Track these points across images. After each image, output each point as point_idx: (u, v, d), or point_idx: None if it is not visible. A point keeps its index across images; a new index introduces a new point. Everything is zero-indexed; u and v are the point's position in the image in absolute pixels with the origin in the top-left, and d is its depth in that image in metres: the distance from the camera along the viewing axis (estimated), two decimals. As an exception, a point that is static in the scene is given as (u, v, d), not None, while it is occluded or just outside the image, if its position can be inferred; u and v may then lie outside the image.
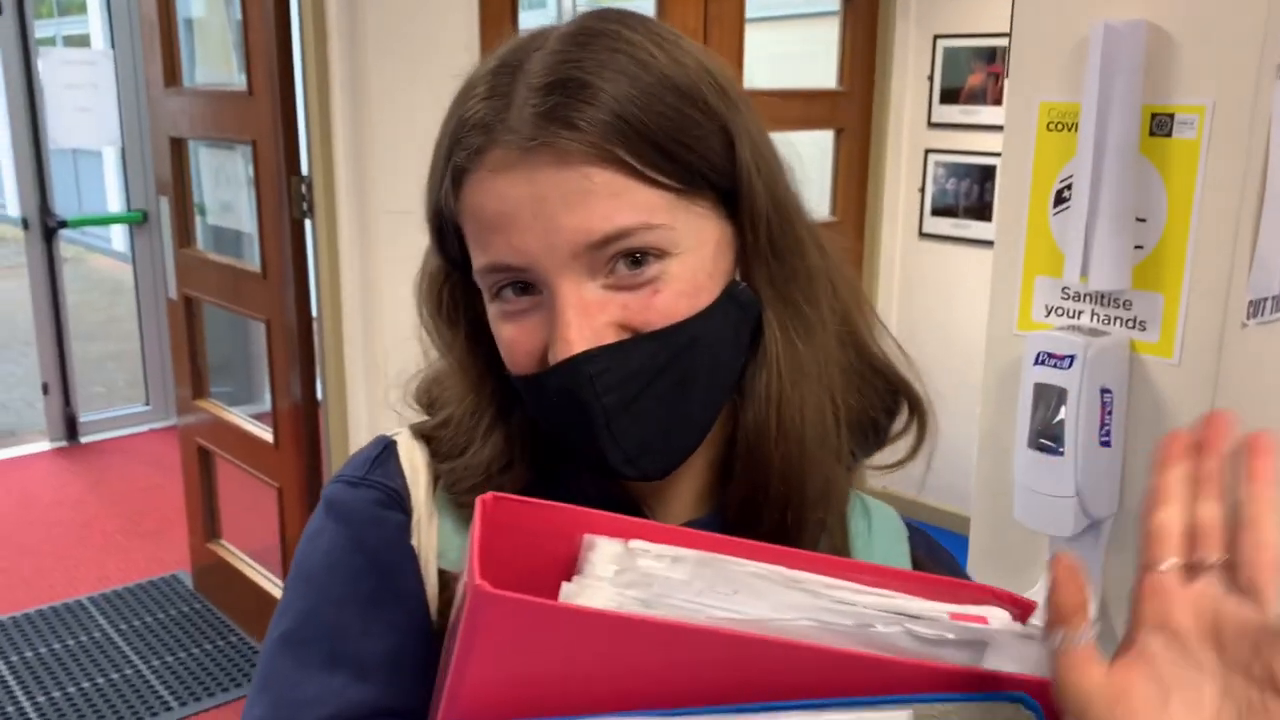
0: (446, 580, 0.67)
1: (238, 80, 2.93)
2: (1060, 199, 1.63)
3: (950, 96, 3.62)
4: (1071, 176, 1.58)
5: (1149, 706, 0.48)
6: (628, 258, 0.61)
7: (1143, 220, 1.55)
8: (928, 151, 3.70)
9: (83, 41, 9.44)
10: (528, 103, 0.60)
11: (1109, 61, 1.50)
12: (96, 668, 3.09)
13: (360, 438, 2.63)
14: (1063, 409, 1.55)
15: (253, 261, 2.94)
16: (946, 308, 3.63)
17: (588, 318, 0.60)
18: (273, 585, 3.13)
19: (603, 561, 0.52)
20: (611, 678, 0.47)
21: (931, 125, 3.68)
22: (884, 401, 0.73)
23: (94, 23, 8.61)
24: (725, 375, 0.65)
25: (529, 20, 3.04)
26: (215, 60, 3.63)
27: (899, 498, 0.80)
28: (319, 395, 2.75)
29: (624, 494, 0.69)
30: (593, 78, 0.60)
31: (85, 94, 4.63)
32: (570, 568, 0.53)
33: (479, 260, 0.63)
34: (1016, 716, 0.51)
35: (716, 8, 3.15)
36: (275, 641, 0.66)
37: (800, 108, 3.54)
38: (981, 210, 3.58)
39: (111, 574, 3.66)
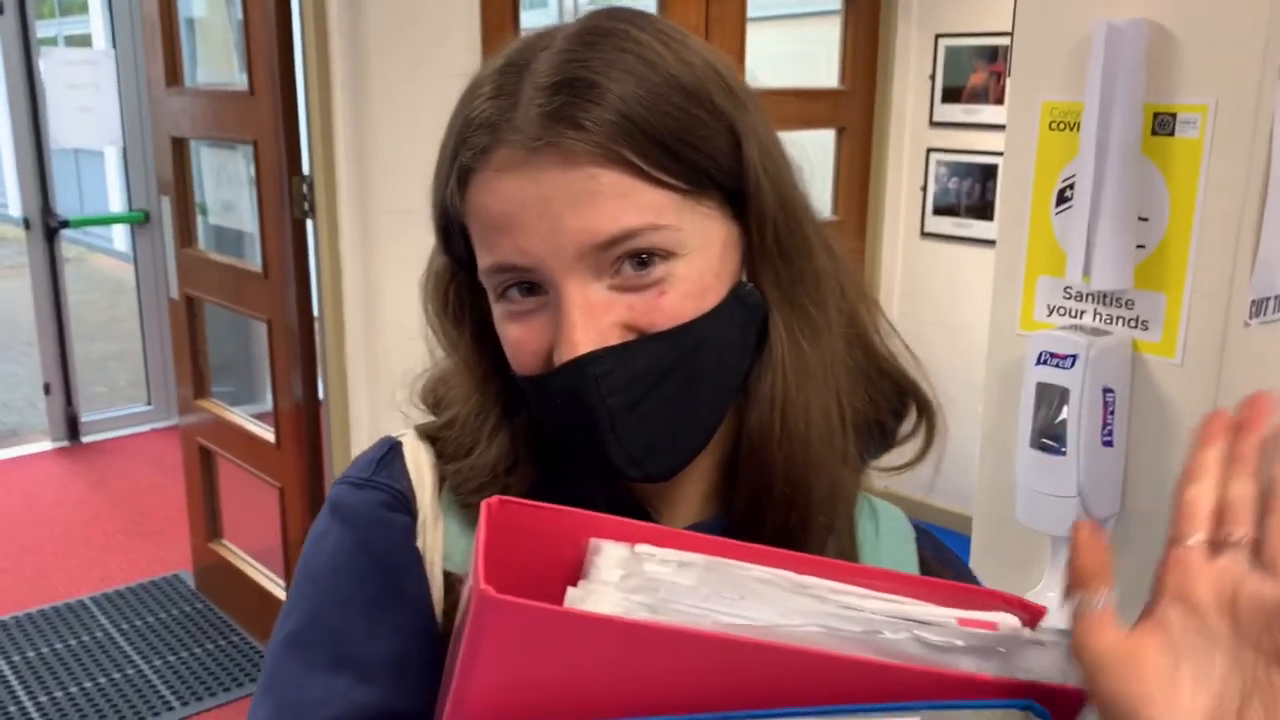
0: (452, 582, 0.66)
1: (239, 80, 2.93)
2: (1062, 198, 1.63)
3: (952, 95, 3.62)
4: (1074, 176, 1.57)
5: (1158, 672, 0.49)
6: (634, 259, 0.60)
7: (1145, 220, 1.55)
8: (929, 151, 3.69)
9: (84, 41, 9.44)
10: (534, 102, 0.60)
11: (1111, 61, 1.50)
12: (98, 667, 3.09)
13: (362, 437, 2.63)
14: (1065, 409, 1.55)
15: (254, 261, 2.94)
16: (948, 307, 3.63)
17: (593, 319, 0.60)
18: (274, 585, 3.13)
19: (608, 566, 0.51)
20: (617, 683, 0.47)
21: (933, 124, 3.68)
22: (891, 404, 0.72)
23: (95, 22, 8.62)
24: (731, 377, 0.65)
25: (530, 20, 3.03)
26: (217, 60, 3.63)
27: (904, 499, 0.80)
28: (320, 395, 2.75)
29: (629, 496, 0.68)
30: (599, 77, 0.59)
31: (87, 94, 4.63)
32: (576, 571, 0.53)
33: (484, 260, 0.63)
34: None
35: (718, 7, 3.15)
36: (280, 643, 0.66)
37: (802, 107, 3.53)
38: (983, 210, 3.58)
39: (113, 574, 3.67)
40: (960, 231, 3.66)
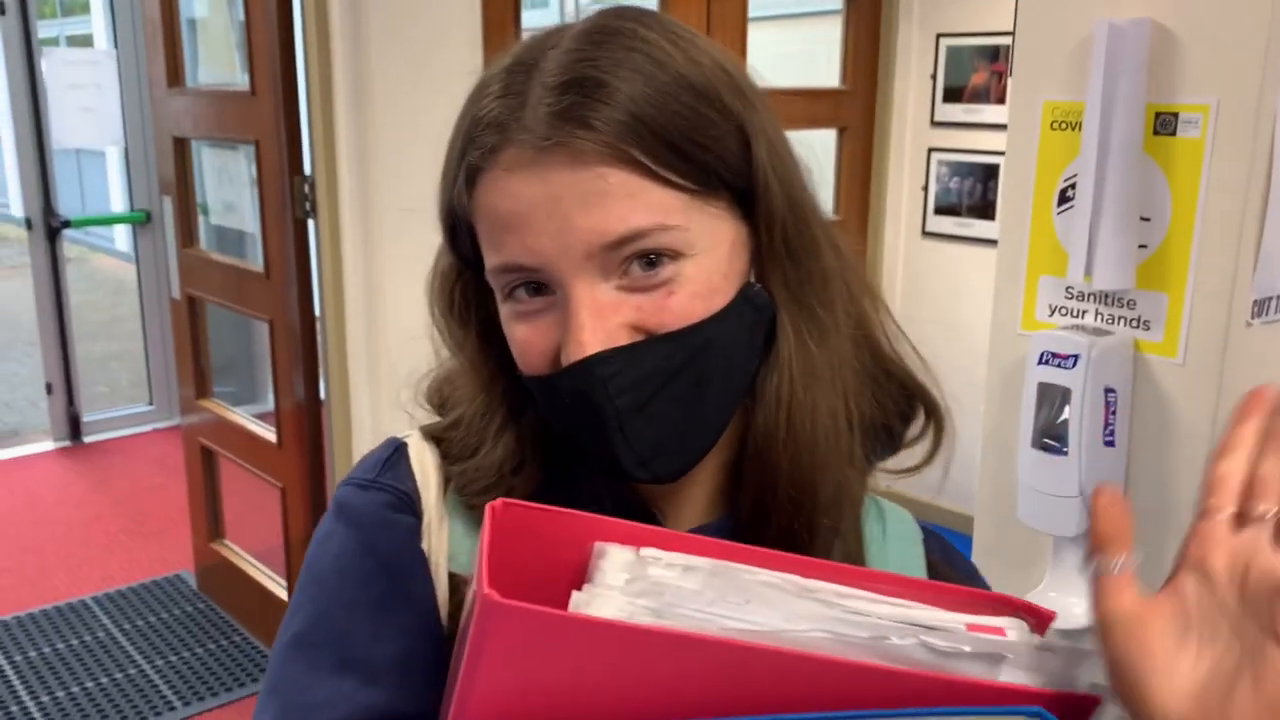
0: (457, 583, 0.66)
1: (240, 80, 2.93)
2: (1064, 198, 1.62)
3: (953, 95, 3.62)
4: (1075, 175, 1.57)
5: (1164, 637, 0.50)
6: (642, 259, 0.60)
7: (1147, 219, 1.55)
8: (931, 150, 3.69)
9: (86, 42, 9.45)
10: (542, 102, 0.59)
11: (1113, 60, 1.49)
12: (100, 667, 3.09)
13: (364, 437, 2.63)
14: (1066, 409, 1.55)
15: (256, 261, 2.94)
16: (950, 307, 3.63)
17: (601, 319, 0.60)
18: (276, 585, 3.13)
19: (613, 570, 0.51)
20: (621, 688, 0.47)
21: (935, 124, 3.67)
22: (899, 407, 0.72)
23: (97, 23, 8.63)
24: (739, 378, 0.65)
25: (531, 19, 3.03)
26: (218, 60, 3.63)
27: (906, 499, 0.80)
28: (322, 395, 2.75)
29: (635, 497, 0.68)
30: (608, 77, 0.59)
31: (88, 94, 4.63)
32: (581, 574, 0.53)
33: (492, 260, 0.63)
34: None
35: (719, 7, 3.14)
36: (285, 645, 0.66)
37: (803, 107, 3.53)
38: (985, 209, 3.58)
39: (115, 574, 3.67)
40: (962, 231, 3.66)
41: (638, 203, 0.59)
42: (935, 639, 0.49)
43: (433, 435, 0.72)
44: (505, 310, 0.64)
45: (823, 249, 0.67)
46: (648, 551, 0.53)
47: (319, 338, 2.72)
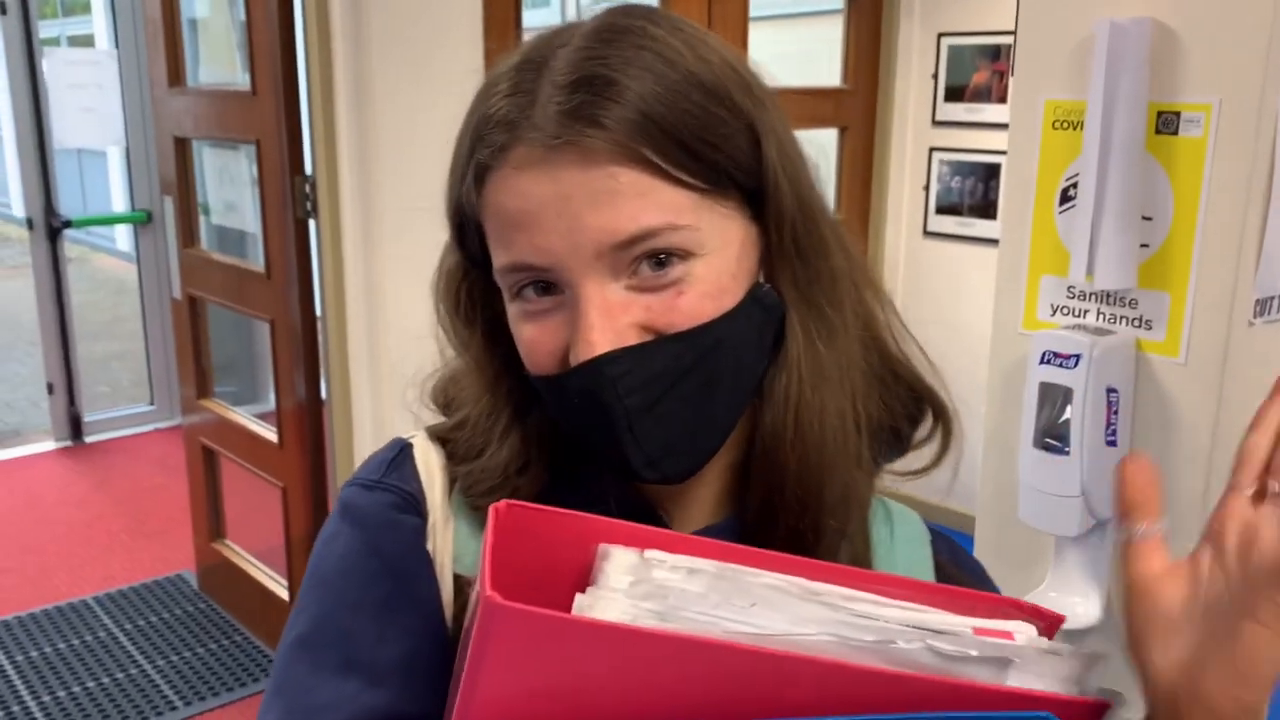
0: (462, 585, 0.66)
1: (241, 80, 2.93)
2: (1066, 197, 1.62)
3: (955, 94, 3.62)
4: (1077, 175, 1.57)
5: (1173, 605, 0.52)
6: (652, 258, 0.60)
7: (1148, 219, 1.54)
8: (932, 150, 3.69)
9: (87, 42, 9.45)
10: (552, 100, 0.59)
11: (1115, 59, 1.49)
12: (101, 667, 3.09)
13: (365, 437, 2.63)
14: (1068, 408, 1.55)
15: (257, 261, 2.94)
16: (951, 307, 3.63)
17: (611, 319, 0.59)
18: (277, 585, 3.13)
19: (617, 572, 0.51)
20: (625, 691, 0.46)
21: (936, 123, 3.67)
22: (907, 408, 0.72)
23: (98, 23, 8.63)
24: (748, 378, 0.64)
25: (533, 19, 3.03)
26: (219, 60, 3.64)
27: (910, 499, 0.79)
28: (323, 395, 2.75)
29: (641, 497, 0.68)
30: (619, 75, 0.59)
31: (89, 94, 4.63)
32: (585, 575, 0.52)
33: (500, 259, 0.62)
34: None
35: (720, 6, 3.14)
36: (290, 645, 0.66)
37: (804, 106, 3.53)
38: (986, 209, 3.58)
39: (116, 574, 3.67)
40: (963, 231, 3.66)
41: (648, 202, 0.59)
42: (942, 643, 0.49)
43: (438, 436, 0.72)
44: (513, 309, 0.64)
45: (831, 249, 0.66)
46: (652, 554, 0.52)
47: (320, 337, 2.72)
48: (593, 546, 0.53)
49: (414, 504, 0.68)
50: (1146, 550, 0.53)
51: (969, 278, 3.60)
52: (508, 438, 0.68)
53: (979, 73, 3.56)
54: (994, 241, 1.89)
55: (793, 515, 0.65)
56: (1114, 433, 1.57)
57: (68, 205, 4.87)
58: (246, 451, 3.14)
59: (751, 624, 0.49)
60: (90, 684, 3.00)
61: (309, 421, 2.83)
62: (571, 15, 0.65)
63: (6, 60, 4.48)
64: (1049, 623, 0.54)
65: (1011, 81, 1.79)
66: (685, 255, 0.60)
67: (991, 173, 3.54)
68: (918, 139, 3.72)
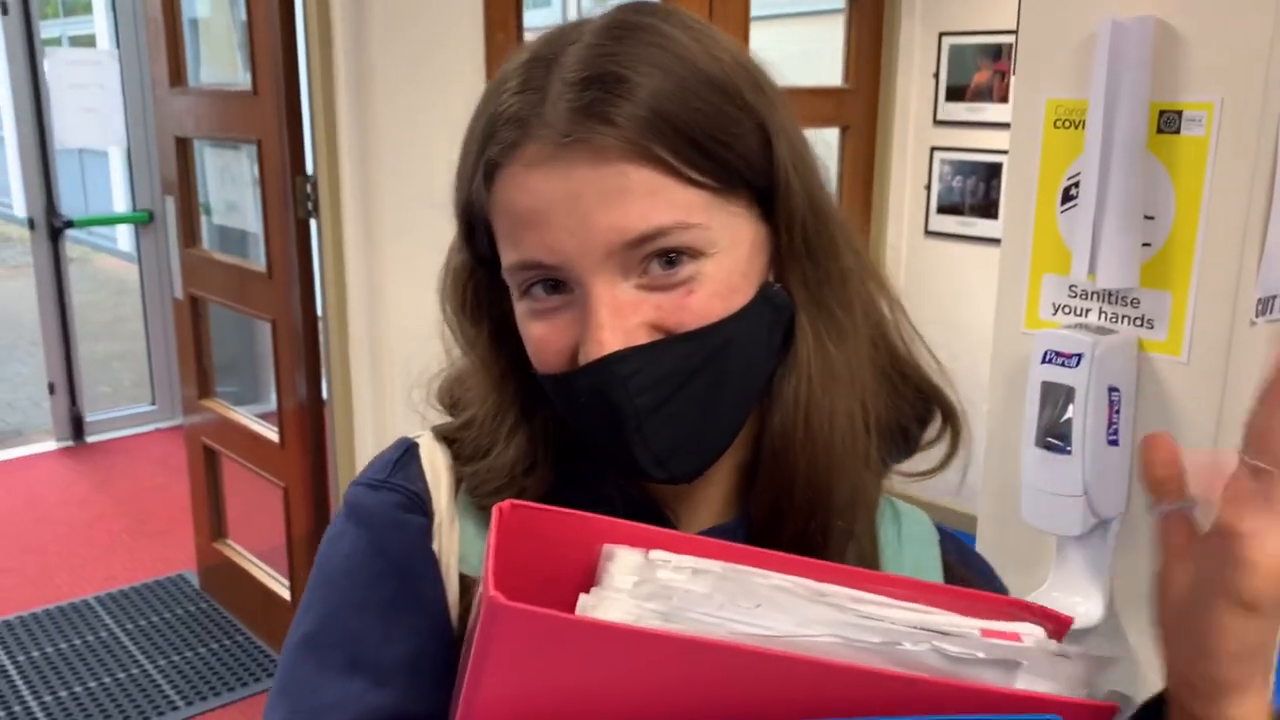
0: (467, 585, 0.66)
1: (243, 80, 2.93)
2: (1068, 196, 1.62)
3: (956, 94, 3.61)
4: (1079, 174, 1.57)
5: (1180, 580, 0.52)
6: (662, 257, 0.59)
7: (1150, 218, 1.54)
8: (933, 149, 3.69)
9: (88, 42, 9.45)
10: (563, 97, 0.59)
11: (1116, 58, 1.49)
12: (103, 667, 3.09)
13: (366, 437, 2.63)
14: (1070, 407, 1.55)
15: (258, 261, 2.94)
16: (952, 306, 3.62)
17: (621, 318, 0.59)
18: (279, 585, 3.13)
19: (622, 573, 0.51)
20: (628, 693, 0.46)
21: (937, 123, 3.67)
22: (915, 409, 0.71)
23: (99, 23, 8.63)
24: (757, 378, 0.64)
25: (534, 19, 3.03)
26: (220, 60, 3.64)
27: (916, 500, 0.79)
28: (324, 395, 2.75)
29: (648, 497, 0.68)
30: (630, 72, 0.58)
31: (91, 94, 4.63)
32: (590, 576, 0.52)
33: (509, 257, 0.62)
34: None
35: (722, 5, 3.14)
36: (295, 644, 0.66)
37: (805, 105, 3.53)
38: (988, 208, 3.57)
39: (117, 573, 3.67)
40: (964, 230, 3.65)
41: (659, 200, 0.58)
42: (949, 644, 0.49)
43: (444, 436, 0.71)
44: (521, 308, 0.64)
45: (841, 249, 0.66)
46: (657, 554, 0.52)
47: (321, 337, 2.72)
48: (597, 547, 0.53)
49: (420, 504, 0.68)
50: (1175, 525, 0.53)
51: (970, 277, 3.60)
52: (514, 438, 0.67)
53: (980, 72, 3.56)
54: (995, 241, 1.89)
55: (801, 516, 0.65)
56: (1116, 432, 1.57)
57: (69, 205, 4.87)
58: (248, 451, 3.14)
59: (757, 625, 0.49)
60: (92, 684, 3.00)
61: (310, 421, 2.83)
62: (573, 15, 0.64)
63: (8, 60, 4.48)
64: (1058, 625, 0.54)
65: (1013, 80, 1.79)
66: (696, 254, 0.60)
67: (993, 172, 3.54)
68: (919, 138, 3.72)
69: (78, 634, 3.27)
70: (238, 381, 4.52)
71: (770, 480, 0.66)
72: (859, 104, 3.66)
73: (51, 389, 4.83)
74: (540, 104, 0.59)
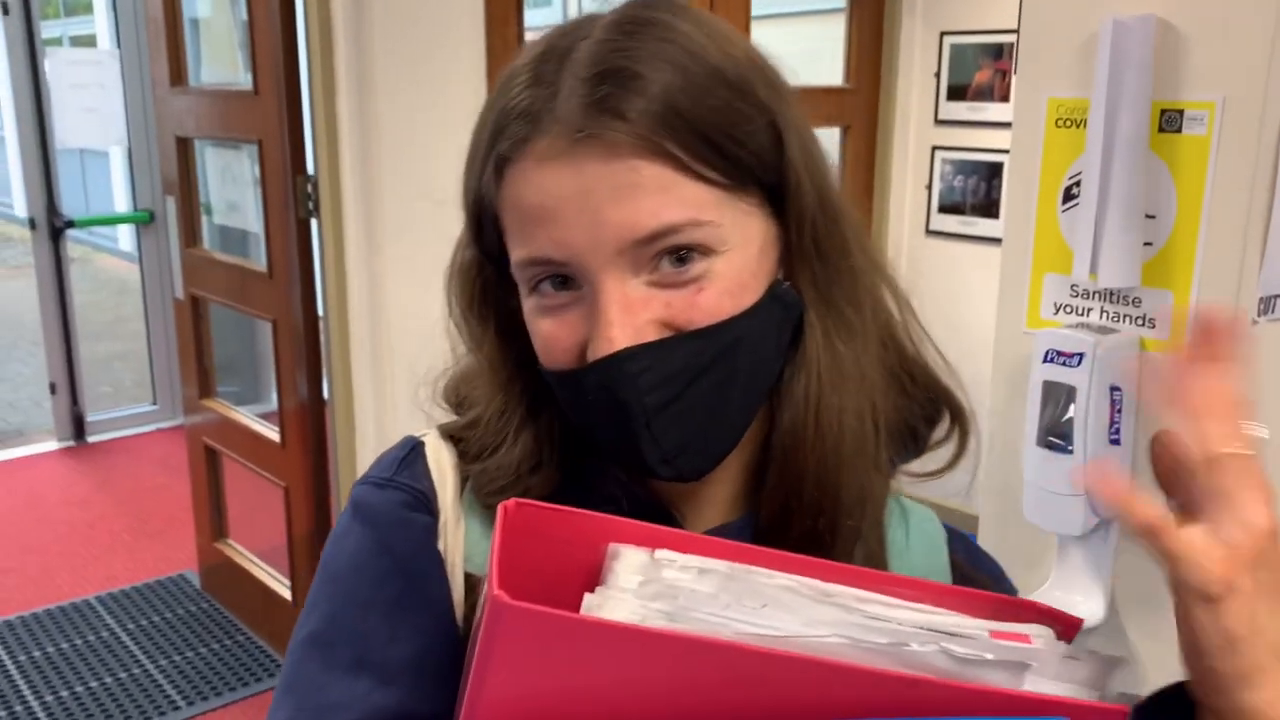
0: (473, 584, 0.66)
1: (243, 80, 2.93)
2: (1069, 195, 1.62)
3: (957, 93, 3.61)
4: (1080, 173, 1.57)
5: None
6: (673, 255, 0.59)
7: (1152, 217, 1.54)
8: (934, 148, 3.69)
9: (89, 42, 9.45)
10: (575, 92, 0.58)
11: (1118, 57, 1.49)
12: (104, 667, 3.09)
13: (367, 436, 2.63)
14: (1072, 407, 1.55)
15: (259, 261, 2.94)
16: (953, 306, 3.62)
17: (630, 315, 0.59)
18: (280, 585, 3.13)
19: (627, 572, 0.50)
20: (634, 693, 0.46)
21: (938, 122, 3.67)
22: (924, 409, 0.71)
23: (100, 23, 8.62)
24: (765, 377, 0.64)
25: (534, 18, 3.03)
26: (221, 60, 3.64)
27: (919, 499, 0.79)
28: (325, 394, 2.75)
29: (654, 496, 0.67)
30: (642, 68, 0.58)
31: (91, 94, 4.63)
32: (594, 576, 0.52)
33: (518, 253, 0.61)
34: None
35: (723, 5, 3.14)
36: (301, 642, 0.65)
37: (806, 105, 3.51)
38: (989, 207, 3.57)
39: (119, 573, 3.67)
40: (965, 229, 3.65)
41: (670, 197, 0.58)
42: (957, 645, 0.48)
43: (450, 434, 0.71)
44: (529, 304, 0.63)
45: (852, 248, 0.66)
46: (662, 553, 0.52)
47: (322, 337, 2.72)
48: (603, 546, 0.52)
49: (425, 502, 0.68)
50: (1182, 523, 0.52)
51: (971, 277, 3.60)
52: (520, 436, 0.67)
53: (981, 71, 3.55)
54: (996, 240, 1.89)
55: (809, 516, 0.65)
56: (1118, 431, 1.57)
57: (70, 205, 4.87)
58: (249, 451, 3.14)
59: (763, 625, 0.48)
60: (93, 684, 3.01)
61: (311, 421, 2.83)
62: (574, 15, 0.64)
63: (9, 60, 4.48)
64: (1067, 626, 0.53)
65: (1014, 79, 1.78)
66: (706, 252, 0.59)
67: (994, 171, 3.54)
68: (920, 138, 3.72)
69: (79, 634, 3.27)
70: (239, 381, 4.52)
71: (780, 479, 0.65)
72: (860, 103, 3.66)
73: (53, 389, 4.83)
74: (552, 99, 0.59)
